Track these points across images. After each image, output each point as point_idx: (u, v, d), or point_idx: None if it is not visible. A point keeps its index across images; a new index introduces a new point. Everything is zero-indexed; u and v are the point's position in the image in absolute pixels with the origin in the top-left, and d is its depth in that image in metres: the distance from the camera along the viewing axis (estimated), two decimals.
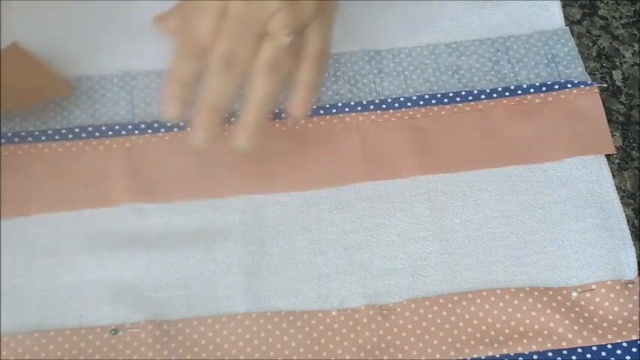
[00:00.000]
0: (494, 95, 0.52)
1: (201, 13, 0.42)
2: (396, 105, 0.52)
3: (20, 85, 0.50)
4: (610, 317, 0.45)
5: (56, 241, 0.48)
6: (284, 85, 0.45)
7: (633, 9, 0.57)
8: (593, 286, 0.45)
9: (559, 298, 0.45)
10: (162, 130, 0.52)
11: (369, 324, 0.45)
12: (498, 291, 0.46)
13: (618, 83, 0.54)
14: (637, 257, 0.47)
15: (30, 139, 0.51)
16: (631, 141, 0.52)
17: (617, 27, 0.56)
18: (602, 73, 0.54)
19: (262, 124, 0.45)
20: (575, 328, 0.44)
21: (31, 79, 0.51)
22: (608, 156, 0.50)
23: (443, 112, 0.52)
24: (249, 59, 0.43)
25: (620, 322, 0.44)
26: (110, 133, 0.52)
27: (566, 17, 0.56)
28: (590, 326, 0.44)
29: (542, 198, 0.49)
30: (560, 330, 0.44)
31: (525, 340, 0.44)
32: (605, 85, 0.54)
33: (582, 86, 0.52)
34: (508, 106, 0.52)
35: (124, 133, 0.52)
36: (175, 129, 0.52)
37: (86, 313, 0.46)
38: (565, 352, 0.44)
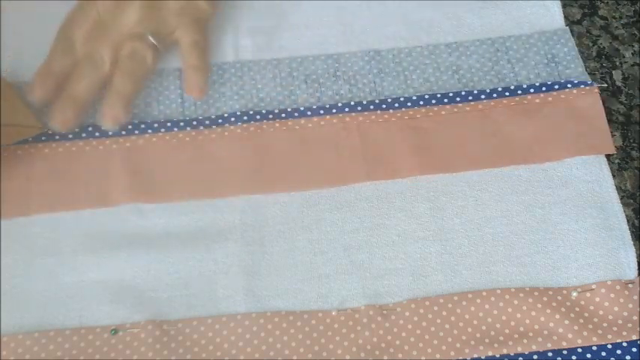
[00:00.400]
0: (494, 95, 0.52)
1: (77, 22, 0.51)
2: (396, 105, 0.52)
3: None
4: (610, 317, 0.45)
5: (56, 241, 0.48)
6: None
7: (633, 9, 0.57)
8: (593, 286, 0.45)
9: (559, 298, 0.45)
10: (162, 130, 0.52)
11: (369, 324, 0.45)
12: (498, 291, 0.46)
13: (618, 83, 0.54)
14: (637, 257, 0.47)
15: (30, 139, 0.51)
16: (631, 141, 0.52)
17: (617, 27, 0.57)
18: (602, 73, 0.54)
19: (126, 113, 0.51)
20: (575, 328, 0.44)
21: (8, 116, 0.50)
22: (608, 156, 0.50)
23: (443, 112, 0.52)
24: (106, 56, 0.51)
25: (620, 322, 0.44)
26: (110, 133, 0.52)
27: (566, 17, 0.56)
28: (590, 326, 0.44)
29: (542, 198, 0.49)
30: (560, 330, 0.44)
31: (525, 340, 0.44)
32: (605, 85, 0.54)
33: (582, 86, 0.52)
34: (508, 106, 0.52)
35: (124, 133, 0.52)
36: (175, 129, 0.52)
37: (86, 313, 0.46)
38: (565, 352, 0.44)
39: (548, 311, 0.45)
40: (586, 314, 0.45)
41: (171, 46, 0.53)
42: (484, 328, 0.45)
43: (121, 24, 0.51)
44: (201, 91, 0.52)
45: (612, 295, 0.45)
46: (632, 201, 0.49)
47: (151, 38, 0.51)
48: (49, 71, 0.51)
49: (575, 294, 0.45)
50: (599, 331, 0.44)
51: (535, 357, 0.43)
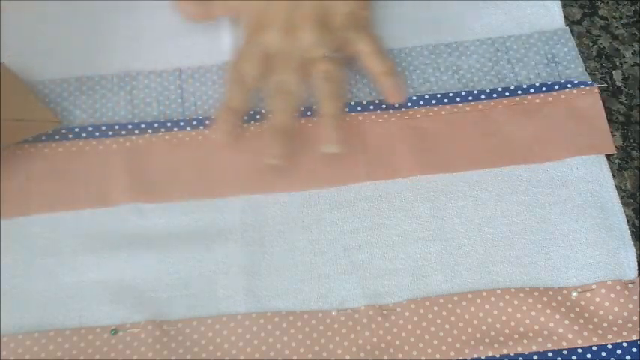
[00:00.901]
0: (494, 95, 0.52)
1: (246, 56, 0.51)
2: (396, 105, 0.52)
3: (11, 117, 0.50)
4: (610, 317, 0.45)
5: (56, 241, 0.48)
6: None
7: (633, 9, 0.57)
8: (593, 286, 0.45)
9: (559, 298, 0.45)
10: (162, 130, 0.52)
11: (369, 324, 0.45)
12: (498, 291, 0.46)
13: (618, 83, 0.54)
14: (637, 257, 0.47)
15: (30, 139, 0.51)
16: (631, 141, 0.52)
17: (617, 27, 0.57)
18: (602, 73, 0.54)
19: (340, 127, 0.50)
20: (575, 328, 0.44)
21: (19, 110, 0.50)
22: (608, 156, 0.50)
23: (443, 112, 0.52)
24: (297, 82, 0.50)
25: (620, 322, 0.44)
26: (110, 133, 0.52)
27: (566, 17, 0.56)
28: (590, 326, 0.44)
29: (542, 198, 0.49)
30: (560, 330, 0.44)
31: (525, 340, 0.44)
32: (605, 85, 0.54)
33: (582, 86, 0.52)
34: (508, 106, 0.52)
35: (124, 133, 0.52)
36: (175, 129, 0.52)
37: (86, 313, 0.46)
38: (565, 352, 0.44)
39: (548, 311, 0.45)
40: (586, 314, 0.45)
41: (350, 59, 0.53)
42: (484, 328, 0.45)
43: (300, 49, 0.50)
44: (401, 95, 0.52)
45: (612, 295, 0.45)
46: (632, 201, 0.49)
47: (332, 56, 0.51)
48: (228, 109, 0.51)
49: (575, 294, 0.45)
50: (599, 331, 0.44)
51: (535, 357, 0.43)
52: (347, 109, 0.52)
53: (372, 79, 0.53)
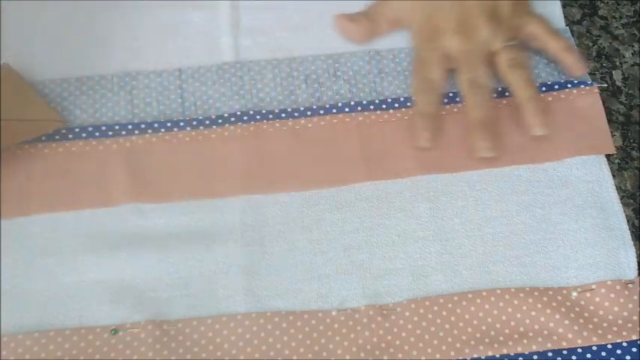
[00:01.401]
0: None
1: (430, 63, 0.52)
2: (396, 105, 0.52)
3: (16, 117, 0.50)
4: (610, 317, 0.45)
5: (56, 241, 0.48)
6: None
7: (633, 9, 0.57)
8: (593, 286, 0.45)
9: (559, 298, 0.45)
10: (162, 130, 0.52)
11: (369, 324, 0.45)
12: (498, 291, 0.46)
13: (618, 83, 0.54)
14: (637, 257, 0.47)
15: (30, 139, 0.51)
16: (631, 141, 0.52)
17: (617, 27, 0.56)
18: (602, 73, 0.54)
19: (541, 105, 0.51)
20: (575, 328, 0.44)
21: (24, 110, 0.51)
22: (608, 156, 0.50)
23: (443, 112, 0.52)
24: (487, 75, 0.51)
25: (620, 322, 0.44)
26: (110, 133, 0.52)
27: (566, 17, 0.56)
28: (590, 326, 0.44)
29: (542, 198, 0.49)
30: (560, 330, 0.44)
31: (525, 340, 0.44)
32: (605, 85, 0.54)
33: (582, 86, 0.52)
34: (508, 106, 0.52)
35: (124, 133, 0.52)
36: (175, 129, 0.52)
37: (86, 313, 0.46)
38: (565, 352, 0.44)
39: (548, 311, 0.45)
40: (586, 314, 0.45)
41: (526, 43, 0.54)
42: (484, 328, 0.45)
43: (482, 44, 0.52)
44: (583, 68, 0.53)
45: (612, 295, 0.45)
46: (632, 201, 0.49)
47: (510, 44, 0.52)
48: (423, 114, 0.51)
49: (575, 294, 0.45)
50: (599, 331, 0.44)
51: (535, 357, 0.43)
52: (347, 110, 0.52)
53: (551, 57, 0.53)
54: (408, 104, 0.52)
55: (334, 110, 0.52)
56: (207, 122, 0.52)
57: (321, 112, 0.52)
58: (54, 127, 0.51)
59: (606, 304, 0.45)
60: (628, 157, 0.51)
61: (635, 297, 0.45)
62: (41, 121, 0.50)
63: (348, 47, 0.55)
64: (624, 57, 0.55)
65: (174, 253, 0.48)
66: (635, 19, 0.57)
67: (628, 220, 0.48)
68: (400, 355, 0.44)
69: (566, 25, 0.56)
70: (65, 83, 0.54)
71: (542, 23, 0.53)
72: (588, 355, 0.43)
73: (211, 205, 0.49)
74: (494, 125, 0.51)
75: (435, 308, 0.45)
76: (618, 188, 0.49)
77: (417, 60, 0.53)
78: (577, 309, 0.45)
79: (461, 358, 0.44)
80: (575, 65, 0.52)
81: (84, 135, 0.52)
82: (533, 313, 0.45)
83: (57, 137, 0.51)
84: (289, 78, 0.54)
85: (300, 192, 0.50)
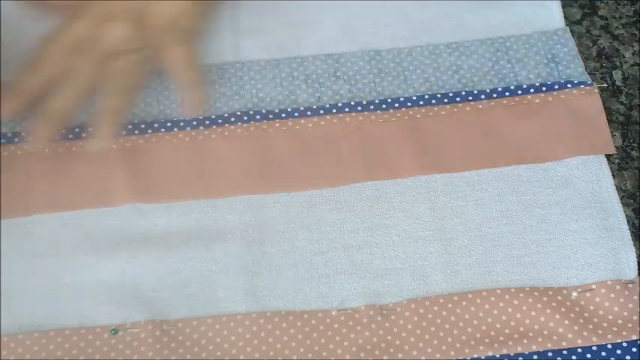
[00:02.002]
0: (494, 95, 0.52)
1: (54, 35, 0.50)
2: (396, 105, 0.52)
3: None
4: (610, 317, 0.45)
5: (56, 241, 0.48)
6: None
7: (633, 9, 0.57)
8: (593, 286, 0.45)
9: (559, 298, 0.45)
10: (162, 130, 0.52)
11: (369, 324, 0.45)
12: (498, 291, 0.46)
13: (618, 83, 0.54)
14: (637, 257, 0.47)
15: (29, 139, 0.51)
16: (631, 141, 0.52)
17: (617, 27, 0.57)
18: (602, 73, 0.54)
19: (116, 131, 0.50)
20: (575, 328, 0.44)
21: None
22: (608, 156, 0.50)
23: (443, 112, 0.52)
24: (91, 75, 0.49)
25: (620, 322, 0.44)
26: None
27: (566, 17, 0.56)
28: (590, 326, 0.44)
29: (542, 198, 0.49)
30: (560, 330, 0.44)
31: (525, 340, 0.44)
32: (605, 85, 0.54)
33: (582, 86, 0.52)
34: (508, 106, 0.52)
35: (124, 133, 0.52)
36: (175, 129, 0.52)
37: (86, 313, 0.46)
38: (565, 352, 0.44)
39: (548, 311, 0.45)
40: (586, 314, 0.45)
41: (160, 63, 0.52)
42: (484, 328, 0.45)
43: (105, 41, 0.49)
44: (199, 109, 0.52)
45: (612, 295, 0.45)
46: (632, 201, 0.49)
47: (138, 55, 0.50)
48: (20, 87, 0.49)
49: (575, 294, 0.45)
50: (599, 331, 0.44)
51: (535, 357, 0.43)
52: (347, 110, 0.52)
53: (177, 88, 0.52)
54: (408, 104, 0.52)
55: (334, 110, 0.52)
56: (207, 122, 0.52)
57: (321, 112, 0.52)
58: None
59: (606, 304, 0.45)
60: (628, 157, 0.51)
61: (635, 297, 0.45)
62: None
63: (348, 47, 0.55)
64: (624, 57, 0.55)
65: (175, 253, 0.48)
66: (635, 19, 0.57)
67: (628, 220, 0.48)
68: (400, 355, 0.44)
69: (566, 25, 0.56)
70: None
71: (187, 54, 0.52)
72: (588, 355, 0.43)
73: (211, 205, 0.49)
74: (64, 122, 0.50)
75: (435, 308, 0.45)
76: (618, 188, 0.49)
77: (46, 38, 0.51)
78: (577, 309, 0.45)
79: (461, 358, 0.44)
80: (192, 104, 0.52)
81: (84, 135, 0.52)
82: (533, 313, 0.45)
83: (57, 137, 0.51)
84: (289, 78, 0.54)
85: (300, 192, 0.50)
